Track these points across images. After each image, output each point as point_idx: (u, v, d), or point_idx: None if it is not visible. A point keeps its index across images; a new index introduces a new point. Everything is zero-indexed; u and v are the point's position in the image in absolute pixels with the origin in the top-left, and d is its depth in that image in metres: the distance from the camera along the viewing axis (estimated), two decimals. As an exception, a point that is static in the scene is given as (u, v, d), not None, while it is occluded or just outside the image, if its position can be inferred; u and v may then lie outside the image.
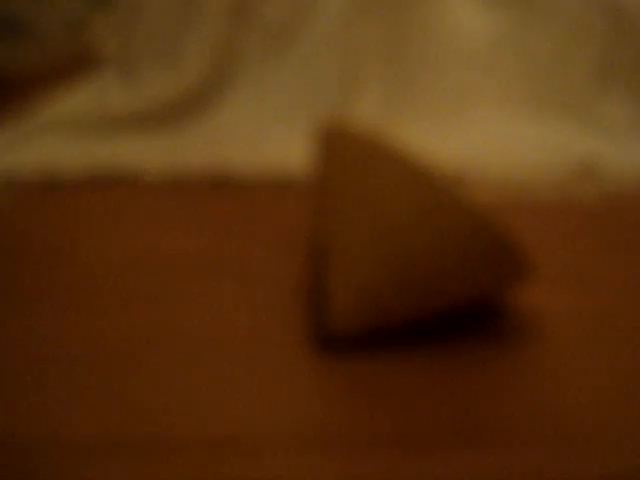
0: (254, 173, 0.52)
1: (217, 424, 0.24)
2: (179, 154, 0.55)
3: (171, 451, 0.23)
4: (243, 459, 0.22)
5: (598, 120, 0.61)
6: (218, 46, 0.67)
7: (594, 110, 0.62)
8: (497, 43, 0.66)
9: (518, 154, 0.54)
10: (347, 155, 0.33)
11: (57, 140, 0.59)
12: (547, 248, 0.39)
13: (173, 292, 0.34)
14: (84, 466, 0.22)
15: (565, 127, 0.61)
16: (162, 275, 0.36)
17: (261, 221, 0.44)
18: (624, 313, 0.32)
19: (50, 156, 0.54)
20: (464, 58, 0.66)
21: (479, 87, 0.65)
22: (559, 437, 0.23)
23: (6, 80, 0.85)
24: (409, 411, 0.25)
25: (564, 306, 0.32)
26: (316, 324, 0.31)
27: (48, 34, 0.99)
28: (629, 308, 0.32)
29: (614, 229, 0.42)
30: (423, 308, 0.28)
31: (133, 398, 0.26)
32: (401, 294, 0.28)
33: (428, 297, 0.28)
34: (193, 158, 0.54)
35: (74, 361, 0.28)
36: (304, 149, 0.52)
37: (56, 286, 0.35)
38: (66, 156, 0.54)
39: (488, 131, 0.60)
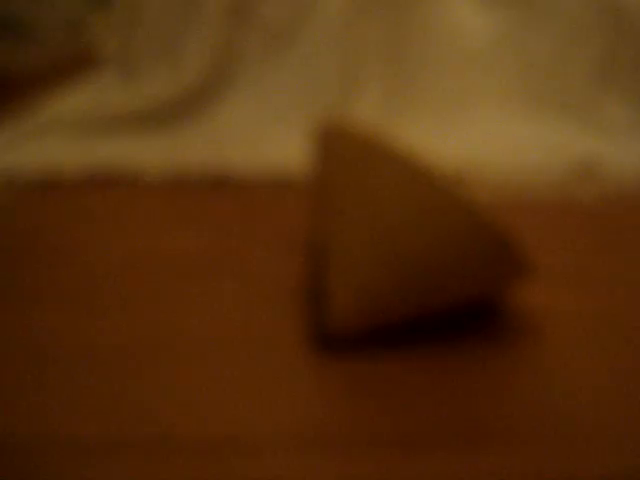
0: (254, 173, 0.52)
1: (217, 424, 0.24)
2: (179, 154, 0.55)
3: (171, 451, 0.23)
4: (243, 459, 0.22)
5: (598, 120, 0.61)
6: (218, 46, 0.67)
7: (594, 110, 0.62)
8: (497, 43, 0.66)
9: (518, 154, 0.55)
10: (346, 155, 0.33)
11: (57, 140, 0.59)
12: (547, 248, 0.39)
13: (173, 292, 0.34)
14: (84, 466, 0.22)
15: (565, 127, 0.61)
16: (162, 275, 0.36)
17: (261, 221, 0.44)
18: (624, 313, 0.32)
19: (50, 156, 0.54)
20: (464, 58, 0.66)
21: (479, 87, 0.65)
22: (559, 437, 0.23)
23: (6, 80, 0.85)
24: (409, 411, 0.25)
25: (564, 306, 0.32)
26: (316, 324, 0.31)
27: (48, 34, 0.99)
28: (629, 308, 0.32)
29: (614, 229, 0.42)
30: (423, 307, 0.28)
31: (133, 398, 0.26)
32: (401, 294, 0.28)
33: (428, 296, 0.28)
34: (193, 158, 0.54)
35: (74, 361, 0.28)
36: (304, 149, 0.52)
37: (56, 286, 0.35)
38: (66, 156, 0.54)
39: (488, 131, 0.60)
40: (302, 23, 0.67)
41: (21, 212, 0.46)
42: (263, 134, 0.60)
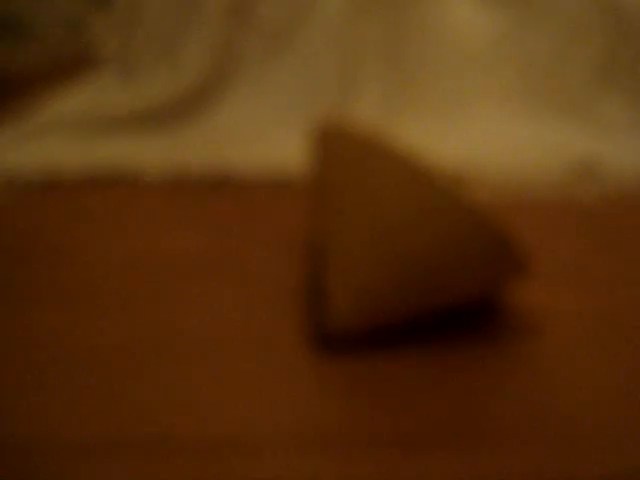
0: (253, 173, 0.52)
1: (217, 424, 0.24)
2: (179, 154, 0.55)
3: (171, 451, 0.23)
4: (243, 459, 0.22)
5: (598, 120, 0.61)
6: (217, 46, 0.67)
7: (594, 110, 0.62)
8: (496, 43, 0.66)
9: (518, 153, 0.55)
10: (346, 155, 0.33)
11: (57, 140, 0.59)
12: (547, 247, 0.39)
13: (173, 292, 0.34)
14: (84, 466, 0.22)
15: (565, 127, 0.61)
16: (162, 275, 0.36)
17: (261, 221, 0.44)
18: (624, 313, 0.32)
19: (50, 156, 0.54)
20: (463, 58, 0.66)
21: (478, 87, 0.65)
22: (559, 437, 0.23)
23: (6, 80, 0.85)
24: (409, 411, 0.25)
25: (564, 305, 0.32)
26: (315, 324, 0.31)
27: (48, 34, 0.99)
28: (629, 308, 0.32)
29: (614, 229, 0.42)
30: (423, 307, 0.28)
31: (133, 398, 0.26)
32: (401, 293, 0.28)
33: (427, 296, 0.28)
34: (193, 158, 0.54)
35: (74, 361, 0.28)
36: (303, 149, 0.52)
37: (56, 286, 0.35)
38: (66, 156, 0.54)
39: (488, 131, 0.60)
40: (301, 23, 0.67)
41: (21, 212, 0.46)
42: (262, 134, 0.60)
